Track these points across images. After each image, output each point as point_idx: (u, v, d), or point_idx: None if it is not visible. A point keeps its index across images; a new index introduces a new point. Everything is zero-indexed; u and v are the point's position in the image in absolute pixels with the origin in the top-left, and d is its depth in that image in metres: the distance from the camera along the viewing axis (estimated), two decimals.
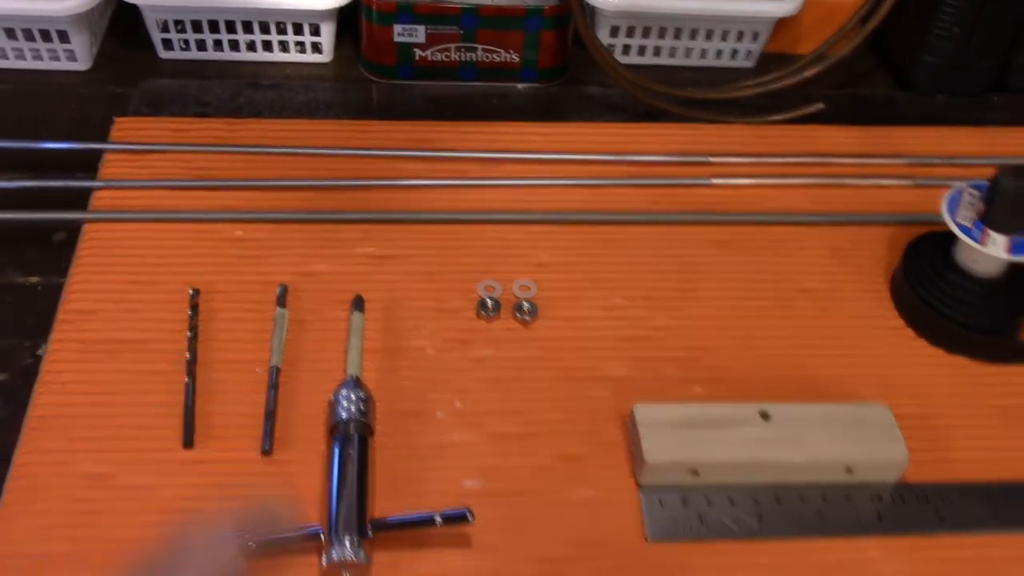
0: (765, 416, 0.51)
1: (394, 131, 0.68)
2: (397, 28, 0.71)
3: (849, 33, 0.72)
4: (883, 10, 0.70)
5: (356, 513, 0.46)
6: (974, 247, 0.54)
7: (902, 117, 0.73)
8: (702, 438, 0.49)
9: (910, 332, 0.58)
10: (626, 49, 0.76)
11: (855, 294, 0.60)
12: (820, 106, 0.71)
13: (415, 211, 0.62)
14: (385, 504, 0.48)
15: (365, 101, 0.72)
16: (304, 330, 0.55)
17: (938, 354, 0.57)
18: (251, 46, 0.73)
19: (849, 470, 0.50)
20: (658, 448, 0.49)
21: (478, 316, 0.57)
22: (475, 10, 0.70)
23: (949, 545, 0.49)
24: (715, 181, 0.65)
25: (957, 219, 0.55)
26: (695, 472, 0.49)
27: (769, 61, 0.76)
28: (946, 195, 0.57)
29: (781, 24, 0.75)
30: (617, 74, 0.69)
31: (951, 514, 0.50)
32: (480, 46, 0.72)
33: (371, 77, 0.74)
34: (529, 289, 0.58)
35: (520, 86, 0.74)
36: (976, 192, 0.56)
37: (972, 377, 0.56)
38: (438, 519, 0.46)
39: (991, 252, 0.54)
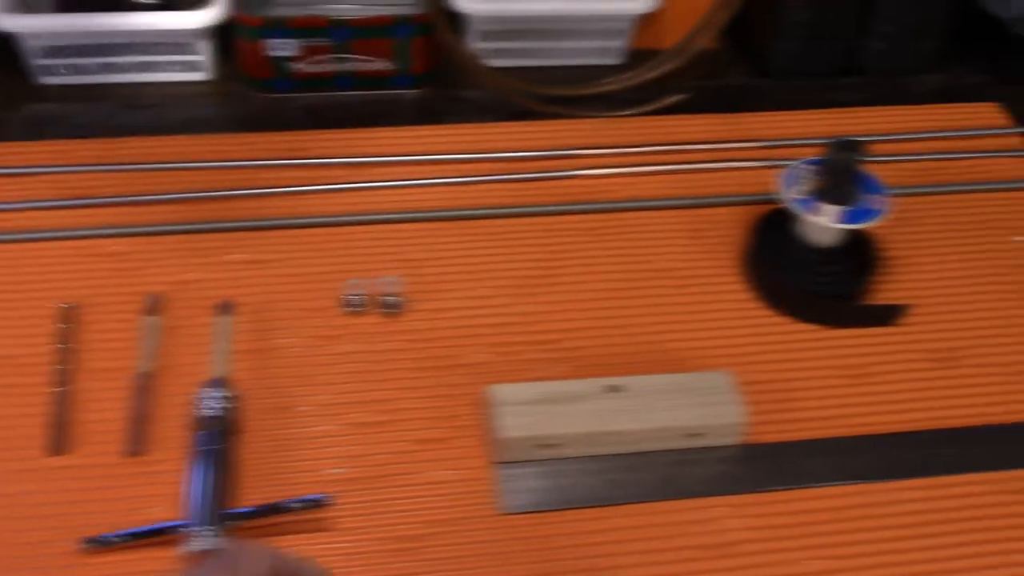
0: (614, 389, 0.53)
1: (270, 142, 0.70)
2: (270, 43, 0.73)
3: (707, 26, 0.75)
4: (736, 1, 0.73)
5: (213, 505, 0.48)
6: (808, 219, 0.57)
7: (761, 103, 0.77)
8: (554, 413, 0.52)
9: (760, 304, 0.61)
10: (499, 52, 0.78)
11: (710, 271, 0.63)
12: (679, 97, 0.74)
13: (285, 216, 0.64)
14: (255, 495, 0.50)
15: (247, 115, 0.74)
16: (177, 336, 0.57)
17: (785, 322, 0.60)
18: (131, 68, 0.75)
19: (693, 435, 0.53)
20: (512, 425, 0.51)
21: (345, 313, 0.59)
22: (344, 22, 0.72)
23: (790, 498, 0.52)
24: (580, 173, 0.68)
25: (793, 194, 0.58)
26: (548, 445, 0.52)
27: (640, 57, 0.80)
28: (784, 172, 0.60)
29: (645, 21, 0.78)
30: (484, 77, 0.71)
31: (792, 470, 0.53)
32: (353, 56, 0.74)
33: (249, 91, 0.76)
34: (396, 284, 0.60)
35: (396, 92, 0.76)
36: (810, 168, 0.59)
37: (817, 341, 0.59)
38: (295, 505, 0.48)
39: (823, 223, 0.57)
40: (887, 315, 0.60)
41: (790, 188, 0.59)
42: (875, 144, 0.72)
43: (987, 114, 0.76)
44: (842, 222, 0.57)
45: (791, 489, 0.52)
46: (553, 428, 0.52)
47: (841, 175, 0.57)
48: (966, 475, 0.53)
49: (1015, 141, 0.74)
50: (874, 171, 0.69)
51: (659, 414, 0.52)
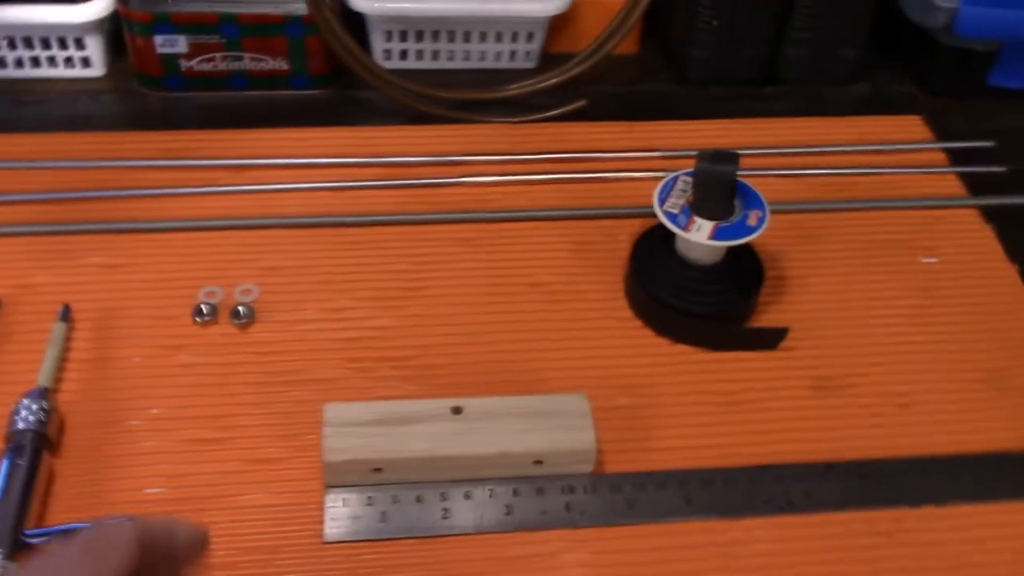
0: (457, 411, 0.50)
1: (150, 141, 0.67)
2: (158, 39, 0.70)
3: (618, 30, 0.72)
4: (642, 5, 0.70)
5: (12, 525, 0.45)
6: (678, 233, 0.54)
7: (675, 111, 0.73)
8: (388, 435, 0.49)
9: (638, 323, 0.57)
10: (403, 54, 0.75)
11: (590, 287, 0.59)
12: (580, 103, 0.71)
13: (150, 219, 0.61)
14: (62, 516, 0.47)
15: (137, 113, 0.72)
16: (10, 342, 0.54)
17: (663, 344, 0.57)
18: (19, 63, 0.73)
19: (538, 462, 0.49)
20: (339, 447, 0.48)
21: (193, 322, 0.56)
22: (234, 18, 0.69)
23: (636, 534, 0.48)
24: (462, 180, 0.65)
25: (666, 207, 0.55)
26: (378, 470, 0.48)
27: (556, 61, 0.76)
28: (661, 183, 0.56)
29: (560, 24, 0.75)
30: (374, 80, 0.68)
31: (642, 503, 0.49)
32: (246, 54, 0.71)
33: (142, 89, 0.73)
34: (251, 293, 0.57)
35: (293, 94, 0.73)
36: (688, 179, 0.55)
37: (692, 365, 0.56)
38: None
39: (694, 238, 0.53)
40: (770, 338, 0.56)
41: (664, 201, 0.55)
42: (782, 157, 0.69)
43: (910, 127, 0.72)
44: (715, 238, 0.53)
45: (637, 524, 0.48)
46: (384, 452, 0.48)
47: (713, 188, 0.53)
48: (829, 513, 0.49)
49: (936, 157, 0.70)
50: (781, 185, 0.66)
51: (500, 438, 0.49)
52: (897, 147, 0.70)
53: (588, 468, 0.50)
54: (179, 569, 0.37)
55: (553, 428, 0.49)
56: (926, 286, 0.61)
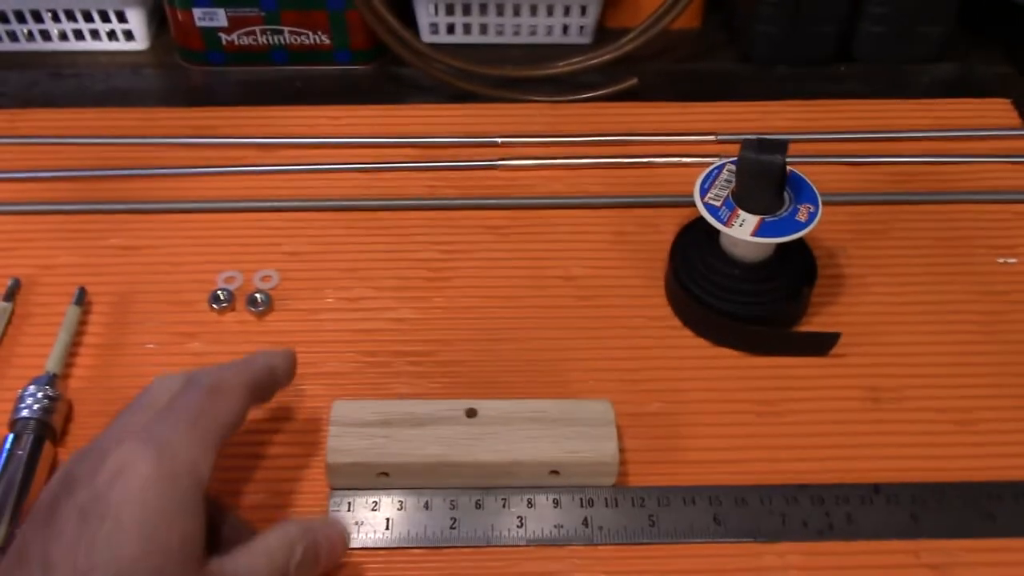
0: (471, 413, 0.47)
1: (183, 118, 0.65)
2: (197, 12, 0.68)
3: (676, 3, 0.67)
4: None
5: (8, 517, 0.44)
6: (719, 228, 0.50)
7: (737, 92, 0.68)
8: (396, 438, 0.46)
9: (676, 322, 0.53)
10: (451, 28, 0.72)
11: (628, 282, 0.55)
12: (633, 81, 0.66)
13: (169, 200, 0.59)
14: None
15: (177, 88, 0.70)
16: (28, 324, 0.53)
17: (702, 346, 0.52)
18: (62, 35, 0.72)
19: (555, 472, 0.46)
20: (344, 449, 0.46)
21: (210, 309, 0.54)
22: None
23: (658, 554, 0.44)
24: (501, 163, 0.61)
25: (708, 198, 0.51)
26: (384, 474, 0.46)
27: (612, 36, 0.72)
28: (704, 171, 0.52)
29: None
30: (411, 54, 0.65)
31: (667, 521, 0.45)
32: (286, 28, 0.69)
33: (184, 64, 0.72)
34: (271, 279, 0.55)
35: (334, 69, 0.71)
36: (734, 168, 0.51)
37: (732, 370, 0.51)
38: None
39: (736, 234, 0.49)
40: (820, 344, 0.51)
41: (706, 192, 0.51)
42: (849, 143, 0.63)
43: (995, 111, 0.65)
44: (759, 234, 0.49)
45: (660, 543, 0.45)
46: (388, 456, 0.45)
47: (758, 179, 0.48)
48: (872, 541, 0.45)
49: (1022, 145, 0.63)
50: (844, 173, 0.61)
51: (514, 445, 0.46)
52: (979, 133, 0.64)
53: (610, 481, 0.46)
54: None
55: (573, 436, 0.46)
56: (1002, 290, 0.55)
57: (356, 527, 0.45)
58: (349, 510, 0.46)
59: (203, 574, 0.36)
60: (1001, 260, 0.57)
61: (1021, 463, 0.47)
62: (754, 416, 0.49)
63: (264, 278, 0.55)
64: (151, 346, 0.52)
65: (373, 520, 0.45)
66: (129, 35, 0.72)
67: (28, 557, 0.34)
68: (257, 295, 0.54)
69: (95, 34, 0.72)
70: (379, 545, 0.45)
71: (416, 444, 0.46)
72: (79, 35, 0.72)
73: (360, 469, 0.46)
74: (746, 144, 0.48)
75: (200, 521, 0.36)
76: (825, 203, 0.50)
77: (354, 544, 0.45)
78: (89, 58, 0.72)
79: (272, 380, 0.44)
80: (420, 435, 0.46)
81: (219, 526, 0.41)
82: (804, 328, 0.53)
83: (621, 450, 0.47)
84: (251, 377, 0.42)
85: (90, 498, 0.35)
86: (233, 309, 0.54)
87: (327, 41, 0.69)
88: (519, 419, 0.46)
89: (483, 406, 0.47)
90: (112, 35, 0.72)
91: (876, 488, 0.46)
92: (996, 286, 0.55)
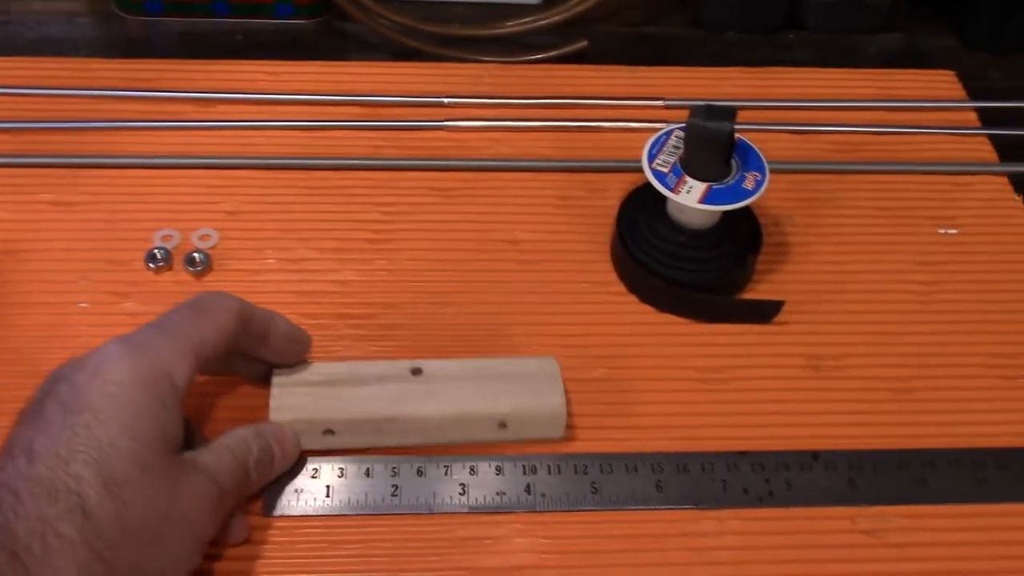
0: (416, 372, 0.46)
1: (118, 70, 0.63)
2: None
3: None
4: None
5: None
6: (667, 194, 0.49)
7: (687, 57, 0.68)
8: (340, 396, 0.45)
9: (621, 288, 0.53)
10: None
11: (573, 247, 0.55)
12: (583, 43, 0.66)
13: (103, 155, 0.57)
14: None
15: (112, 38, 0.68)
16: None
17: (646, 312, 0.52)
18: None
19: (503, 425, 0.46)
20: (286, 406, 0.45)
21: (146, 268, 0.52)
22: None
23: (598, 520, 0.44)
24: (446, 124, 0.60)
25: (655, 164, 0.50)
26: (330, 431, 0.45)
27: None
28: (653, 137, 0.52)
29: None
30: (356, 8, 0.64)
31: (609, 488, 0.45)
32: None
33: (120, 13, 0.69)
34: (210, 238, 0.54)
35: (277, 23, 0.69)
36: (682, 134, 0.50)
37: (677, 337, 0.51)
38: None
39: (683, 200, 0.49)
40: (763, 311, 0.52)
41: (654, 158, 0.50)
42: (795, 111, 0.63)
43: (940, 83, 0.66)
44: (706, 202, 0.49)
45: (601, 510, 0.45)
46: (333, 412, 0.45)
47: (706, 147, 0.48)
48: (809, 507, 0.45)
49: (966, 117, 0.64)
50: (790, 142, 0.61)
51: (461, 399, 0.45)
52: (922, 104, 0.64)
53: (558, 433, 0.46)
54: (276, 355, 0.45)
55: (519, 391, 0.46)
56: (942, 260, 0.56)
57: (296, 494, 0.44)
58: (289, 477, 0.45)
59: (178, 461, 0.38)
60: (942, 231, 0.57)
61: (955, 431, 0.48)
62: (698, 383, 0.50)
63: (203, 237, 0.54)
64: (84, 305, 0.51)
65: (313, 487, 0.45)
66: None
67: (13, 449, 0.36)
68: (195, 254, 0.52)
69: None
70: (319, 513, 0.44)
71: (362, 401, 0.45)
72: None
73: (304, 427, 0.45)
74: (695, 111, 0.48)
75: (176, 420, 0.38)
76: (771, 171, 0.50)
77: (293, 512, 0.44)
78: (21, 5, 0.69)
79: (264, 323, 0.44)
80: (365, 392, 0.45)
81: (191, 439, 0.42)
82: (748, 295, 0.53)
83: (568, 405, 0.46)
84: (242, 305, 0.42)
85: (71, 394, 0.37)
86: (170, 268, 0.53)
87: None
88: (465, 376, 0.46)
89: (428, 365, 0.46)
90: None
91: (815, 455, 0.47)
92: (936, 256, 0.56)
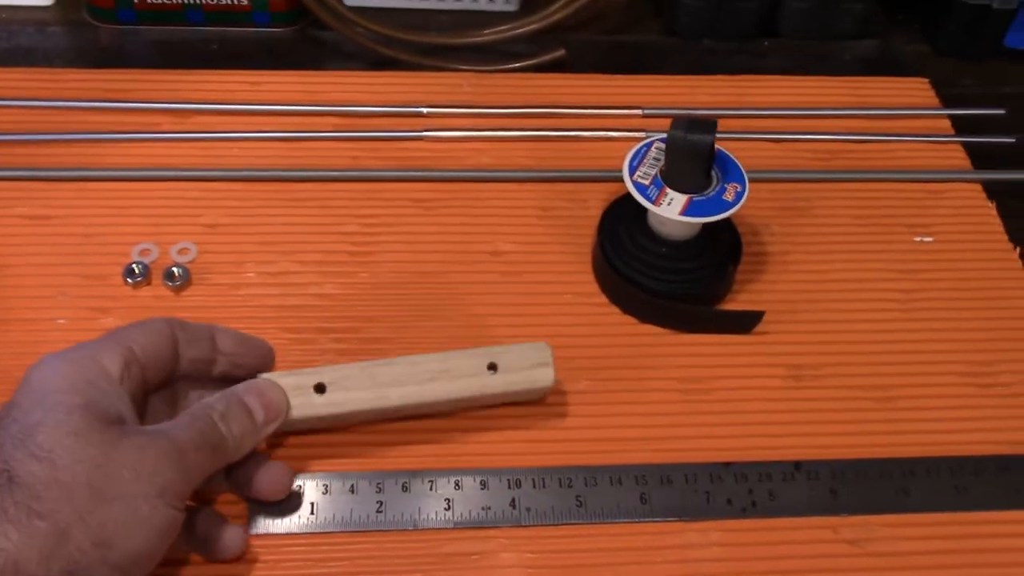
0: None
1: (91, 80, 0.62)
2: None
3: None
4: None
5: None
6: (649, 207, 0.49)
7: (665, 65, 0.68)
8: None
9: (603, 299, 0.53)
10: None
11: (555, 258, 0.55)
12: (561, 52, 0.66)
13: (79, 167, 0.57)
14: None
15: (84, 47, 0.67)
16: None
17: (628, 323, 0.52)
18: None
19: (493, 366, 0.46)
20: (275, 376, 0.44)
21: (124, 283, 0.52)
22: None
23: (583, 534, 0.45)
24: (425, 134, 0.60)
25: (636, 176, 0.50)
26: (320, 388, 0.44)
27: (539, 5, 0.71)
28: (633, 149, 0.52)
29: None
30: (332, 17, 0.63)
31: (594, 501, 0.46)
32: None
33: (93, 22, 0.68)
34: (188, 252, 0.53)
35: (254, 32, 0.68)
36: (663, 146, 0.51)
37: (659, 348, 0.52)
38: None
39: (664, 213, 0.49)
40: (743, 322, 0.52)
41: (635, 170, 0.51)
42: (772, 119, 0.64)
43: (913, 91, 0.67)
44: (687, 214, 0.49)
45: (586, 524, 0.45)
46: (320, 371, 0.45)
47: (687, 159, 0.48)
48: (792, 518, 0.45)
49: (940, 124, 0.65)
50: (768, 150, 0.61)
51: (447, 353, 0.46)
52: (897, 112, 0.65)
53: (548, 381, 0.46)
54: (232, 359, 0.44)
55: (506, 348, 0.46)
56: (917, 268, 0.56)
57: (280, 512, 0.44)
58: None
59: (119, 426, 0.38)
60: (918, 239, 0.58)
61: (935, 439, 0.49)
62: (680, 394, 0.50)
63: (181, 251, 0.53)
64: (62, 321, 0.50)
65: (297, 504, 0.45)
66: None
67: None
68: (174, 269, 0.52)
69: None
70: (304, 530, 0.44)
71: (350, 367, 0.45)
72: None
73: (294, 385, 0.44)
74: (676, 123, 0.48)
75: (112, 396, 0.39)
76: (749, 180, 0.51)
77: (278, 529, 0.44)
78: None
79: (206, 329, 0.44)
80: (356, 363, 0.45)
81: None
82: (729, 306, 0.53)
83: (549, 428, 0.46)
84: (180, 322, 0.43)
85: (7, 407, 0.38)
86: (149, 283, 0.52)
87: (245, 1, 0.67)
88: (450, 357, 0.46)
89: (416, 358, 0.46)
90: None
91: (797, 465, 0.47)
92: (913, 264, 0.56)
